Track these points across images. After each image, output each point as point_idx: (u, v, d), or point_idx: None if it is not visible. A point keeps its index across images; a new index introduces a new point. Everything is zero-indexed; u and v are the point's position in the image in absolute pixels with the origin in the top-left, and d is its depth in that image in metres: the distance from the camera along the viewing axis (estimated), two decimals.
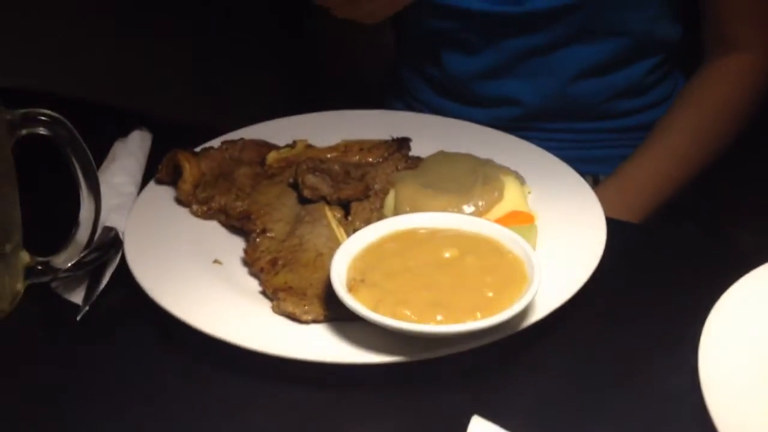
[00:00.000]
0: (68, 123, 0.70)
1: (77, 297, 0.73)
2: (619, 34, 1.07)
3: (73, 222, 0.73)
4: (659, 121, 1.08)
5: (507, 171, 0.82)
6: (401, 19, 1.18)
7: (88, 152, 0.71)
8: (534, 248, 0.72)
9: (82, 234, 0.73)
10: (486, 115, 1.09)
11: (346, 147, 0.88)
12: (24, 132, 0.70)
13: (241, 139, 0.90)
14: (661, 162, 1.05)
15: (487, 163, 0.84)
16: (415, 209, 0.77)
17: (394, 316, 0.63)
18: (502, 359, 0.67)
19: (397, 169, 0.84)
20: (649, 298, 0.73)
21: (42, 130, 0.70)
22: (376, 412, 0.64)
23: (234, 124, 0.94)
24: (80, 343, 0.71)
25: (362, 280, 0.67)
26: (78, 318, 0.71)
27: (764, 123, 1.09)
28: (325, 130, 0.92)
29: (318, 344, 0.66)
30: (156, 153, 0.90)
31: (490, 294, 0.65)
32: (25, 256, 0.73)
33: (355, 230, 0.75)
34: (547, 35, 1.06)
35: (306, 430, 0.62)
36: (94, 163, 0.72)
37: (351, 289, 0.66)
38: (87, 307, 0.72)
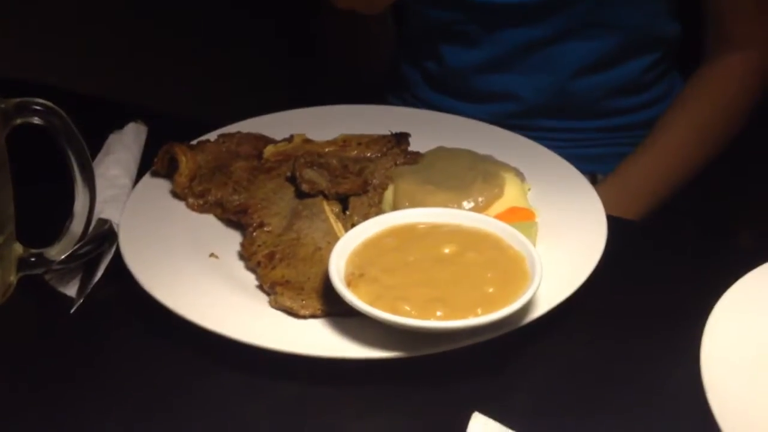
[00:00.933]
0: (62, 112, 0.70)
1: (71, 289, 0.73)
2: (618, 30, 1.07)
3: (68, 213, 0.72)
4: (660, 119, 1.08)
5: (507, 167, 0.82)
6: (402, 12, 1.18)
7: (83, 142, 0.71)
8: (534, 245, 0.71)
9: (77, 226, 0.72)
10: (484, 111, 1.09)
11: (345, 141, 0.87)
12: (18, 121, 0.69)
13: (238, 132, 0.89)
14: (661, 160, 1.05)
15: (487, 159, 0.83)
16: (414, 205, 0.76)
17: (393, 311, 0.62)
18: (502, 355, 0.66)
19: (396, 165, 0.83)
20: (649, 296, 0.73)
21: (36, 120, 0.69)
22: (375, 408, 0.63)
23: (231, 118, 0.93)
24: (74, 336, 0.70)
25: (361, 275, 0.66)
26: (72, 311, 0.71)
27: (765, 121, 1.08)
28: (323, 124, 0.91)
29: (315, 339, 0.65)
30: (152, 146, 0.89)
31: (491, 290, 0.64)
32: (18, 248, 0.73)
33: (353, 225, 0.74)
34: (546, 28, 1.06)
35: (302, 426, 0.62)
36: (88, 153, 0.71)
37: (349, 283, 0.65)
38: (81, 300, 0.71)
